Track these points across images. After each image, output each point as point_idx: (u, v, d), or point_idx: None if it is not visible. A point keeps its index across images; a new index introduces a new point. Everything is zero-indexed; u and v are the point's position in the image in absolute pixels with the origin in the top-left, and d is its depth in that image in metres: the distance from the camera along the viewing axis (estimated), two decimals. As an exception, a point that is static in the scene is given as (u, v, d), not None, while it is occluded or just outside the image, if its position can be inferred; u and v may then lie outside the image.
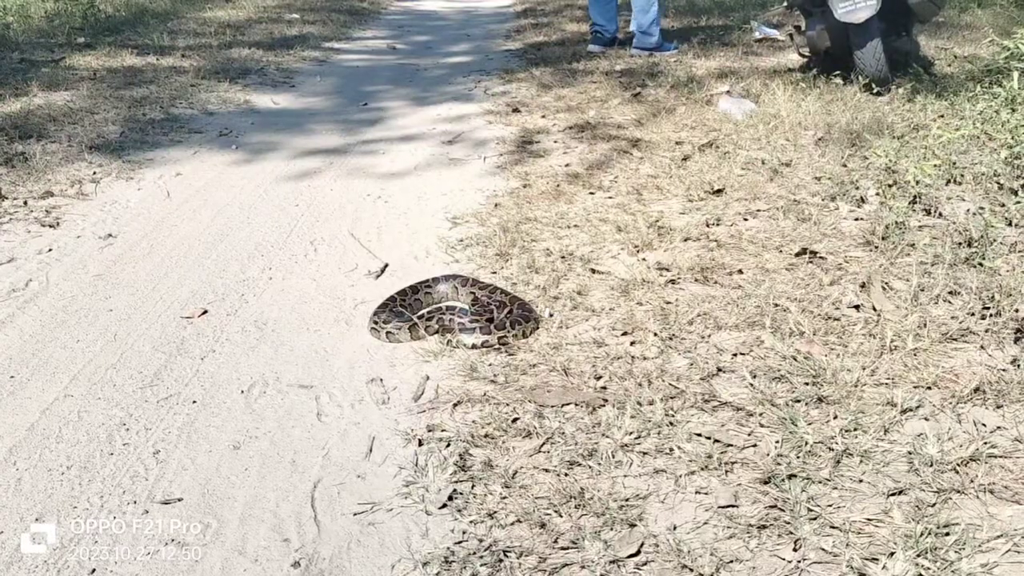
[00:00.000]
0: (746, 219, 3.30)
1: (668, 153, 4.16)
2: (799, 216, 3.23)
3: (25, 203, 3.66)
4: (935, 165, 3.44)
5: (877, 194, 3.34)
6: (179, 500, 1.87)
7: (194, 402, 2.26)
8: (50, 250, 3.26)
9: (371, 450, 2.01)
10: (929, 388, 2.10)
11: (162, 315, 2.76)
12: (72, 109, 5.06)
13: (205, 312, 2.77)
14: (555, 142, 4.61)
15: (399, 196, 3.85)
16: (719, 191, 3.56)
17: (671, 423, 2.00)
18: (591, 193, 3.70)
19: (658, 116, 4.87)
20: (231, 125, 5.06)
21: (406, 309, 2.66)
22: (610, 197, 3.64)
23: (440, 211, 3.61)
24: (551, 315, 2.59)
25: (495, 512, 1.77)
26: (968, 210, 3.11)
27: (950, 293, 2.55)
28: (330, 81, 6.46)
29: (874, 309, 2.50)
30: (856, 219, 3.20)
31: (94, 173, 4.09)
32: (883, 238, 2.95)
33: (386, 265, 3.08)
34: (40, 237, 3.38)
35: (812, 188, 3.53)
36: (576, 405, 2.10)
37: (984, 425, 1.94)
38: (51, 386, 2.35)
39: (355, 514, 1.81)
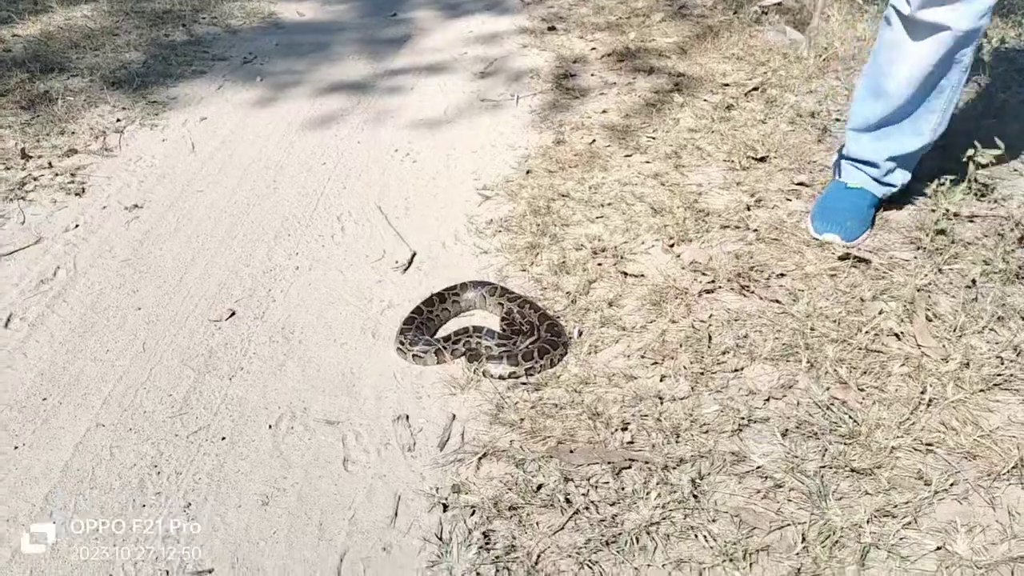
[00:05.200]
0: (789, 199, 3.15)
1: (711, 97, 3.94)
2: (845, 199, 3.07)
3: (50, 164, 3.60)
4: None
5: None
6: (210, 572, 1.92)
7: (223, 439, 2.28)
8: (76, 226, 3.23)
9: (396, 514, 2.03)
10: (965, 457, 2.04)
11: (190, 316, 2.75)
12: (92, 30, 4.89)
13: (233, 314, 2.75)
14: (592, 75, 4.38)
15: (427, 154, 3.72)
16: (763, 159, 3.38)
17: (696, 495, 1.98)
18: (627, 155, 3.54)
19: (703, 40, 4.59)
20: (255, 49, 4.87)
21: (433, 320, 2.62)
22: (647, 162, 3.48)
23: (469, 177, 3.49)
24: (580, 334, 2.54)
25: (517, 602, 1.79)
26: (1027, 199, 2.94)
27: (996, 319, 2.44)
28: (358, -18, 6.16)
29: (915, 339, 2.40)
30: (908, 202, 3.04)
31: (118, 120, 4.00)
32: (936, 233, 2.80)
33: (414, 254, 3.01)
34: (66, 208, 3.34)
35: (862, 157, 3.33)
36: (601, 466, 2.08)
37: (1019, 514, 1.90)
38: (83, 412, 2.38)
39: (380, 596, 1.84)
